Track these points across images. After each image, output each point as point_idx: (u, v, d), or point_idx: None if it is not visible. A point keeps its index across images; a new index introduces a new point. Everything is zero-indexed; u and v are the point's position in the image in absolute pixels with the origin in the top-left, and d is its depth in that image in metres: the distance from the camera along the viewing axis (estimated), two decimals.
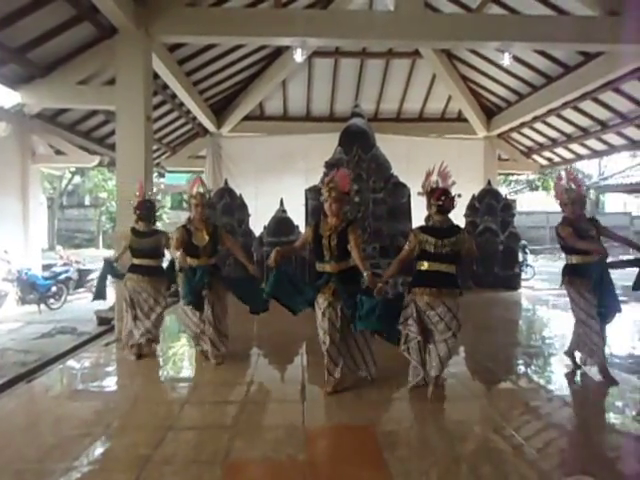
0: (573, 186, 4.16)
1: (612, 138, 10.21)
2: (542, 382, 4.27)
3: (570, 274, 4.23)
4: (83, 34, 5.96)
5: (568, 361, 4.49)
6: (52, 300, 9.75)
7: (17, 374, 4.76)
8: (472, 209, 9.74)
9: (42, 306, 9.45)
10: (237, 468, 2.70)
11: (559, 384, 4.25)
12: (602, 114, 9.38)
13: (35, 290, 9.30)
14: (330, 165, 9.01)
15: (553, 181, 22.30)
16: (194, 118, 10.82)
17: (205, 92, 10.07)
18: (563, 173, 4.27)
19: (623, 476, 2.69)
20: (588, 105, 9.24)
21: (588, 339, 4.12)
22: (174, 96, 9.05)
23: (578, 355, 4.38)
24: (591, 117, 9.67)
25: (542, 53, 8.17)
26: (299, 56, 6.58)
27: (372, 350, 3.94)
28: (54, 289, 9.82)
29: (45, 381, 4.35)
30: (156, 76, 7.20)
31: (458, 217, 6.96)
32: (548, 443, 3.06)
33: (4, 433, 3.15)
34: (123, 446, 3.00)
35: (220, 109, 11.40)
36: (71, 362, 4.96)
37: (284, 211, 9.49)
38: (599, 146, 10.87)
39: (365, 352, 3.91)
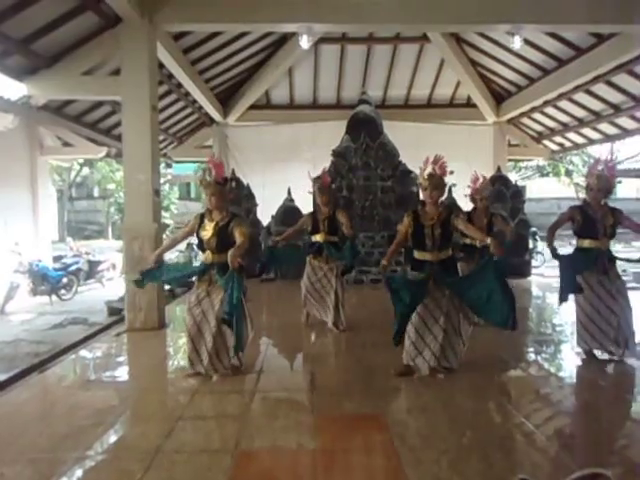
0: (603, 173, 4.09)
1: (625, 122, 9.99)
2: (553, 370, 4.24)
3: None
4: (87, 24, 5.91)
5: (578, 348, 4.45)
6: (63, 291, 9.86)
7: (30, 364, 4.85)
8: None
9: (53, 297, 9.57)
10: (248, 457, 2.71)
11: (570, 371, 4.23)
12: (615, 97, 9.17)
13: (46, 281, 9.40)
14: (338, 153, 8.97)
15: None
16: (200, 107, 10.76)
17: (211, 81, 10.00)
18: (602, 159, 4.20)
19: (636, 464, 2.67)
20: (600, 88, 9.04)
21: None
22: (179, 85, 9.00)
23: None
24: (604, 100, 9.46)
25: (553, 35, 7.98)
26: (305, 42, 6.49)
27: (462, 340, 3.93)
28: (65, 280, 9.92)
29: (58, 371, 4.40)
30: (161, 65, 7.15)
31: (467, 204, 6.88)
32: (559, 431, 3.04)
33: (18, 423, 3.19)
34: (135, 435, 3.03)
35: (226, 98, 11.32)
36: (83, 352, 5.02)
37: (292, 200, 9.47)
38: (612, 130, 10.65)
39: (455, 343, 3.86)
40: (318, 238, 5.30)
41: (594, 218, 4.13)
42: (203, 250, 3.89)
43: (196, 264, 4.82)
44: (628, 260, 4.60)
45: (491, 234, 3.71)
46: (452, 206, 6.09)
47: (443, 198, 3.92)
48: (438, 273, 3.82)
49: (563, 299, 4.37)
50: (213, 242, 3.80)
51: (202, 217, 3.92)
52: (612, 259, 4.23)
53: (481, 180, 5.53)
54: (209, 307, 3.83)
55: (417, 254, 3.93)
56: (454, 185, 3.86)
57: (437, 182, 3.77)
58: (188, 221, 4.07)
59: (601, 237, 4.14)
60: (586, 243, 4.21)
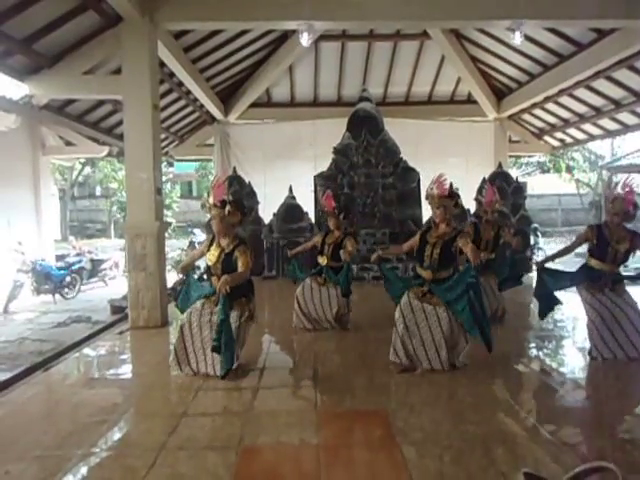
0: (622, 195, 4.05)
1: (626, 117, 9.97)
2: (554, 365, 4.26)
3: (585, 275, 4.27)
4: (88, 23, 5.92)
5: (580, 344, 4.46)
6: (66, 290, 9.89)
7: (34, 363, 4.86)
8: (482, 192, 9.63)
9: (57, 296, 9.59)
10: (252, 453, 2.73)
11: (572, 367, 4.24)
12: (616, 93, 9.15)
13: (50, 280, 9.43)
14: (339, 151, 8.97)
15: (564, 163, 21.69)
16: (201, 106, 10.77)
17: (212, 79, 10.00)
18: (621, 182, 4.19)
19: (638, 459, 2.68)
20: (601, 84, 9.02)
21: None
22: (181, 84, 9.00)
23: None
24: (604, 96, 9.44)
25: (554, 31, 7.95)
26: (305, 40, 6.48)
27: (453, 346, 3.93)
28: (68, 279, 9.95)
29: (62, 369, 4.43)
30: (162, 64, 7.15)
31: (468, 201, 6.90)
32: (561, 426, 3.05)
33: (22, 421, 3.21)
34: (139, 432, 3.06)
35: (227, 96, 11.32)
36: (86, 350, 5.04)
37: (293, 198, 9.49)
38: (612, 126, 10.64)
39: (440, 349, 3.86)
40: (321, 261, 5.39)
41: (608, 241, 4.10)
42: (211, 274, 3.93)
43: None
44: (630, 277, 4.48)
45: (475, 246, 3.81)
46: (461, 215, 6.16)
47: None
48: (431, 290, 3.90)
49: (543, 315, 4.56)
50: (218, 268, 3.84)
51: (213, 239, 3.98)
52: (619, 280, 4.22)
53: (497, 196, 5.58)
54: (208, 321, 3.88)
55: (417, 268, 4.04)
56: (457, 189, 3.98)
57: (438, 202, 3.85)
58: (204, 240, 4.20)
59: (609, 262, 4.11)
60: (593, 263, 4.20)
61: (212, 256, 3.89)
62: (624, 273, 4.36)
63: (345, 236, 5.30)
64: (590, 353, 4.24)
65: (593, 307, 4.15)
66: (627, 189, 4.05)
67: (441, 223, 3.91)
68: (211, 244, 3.98)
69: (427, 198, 3.95)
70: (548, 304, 4.48)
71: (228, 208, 3.80)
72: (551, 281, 4.40)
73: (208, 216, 8.61)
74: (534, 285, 4.57)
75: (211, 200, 3.82)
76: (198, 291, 4.07)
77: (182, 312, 4.10)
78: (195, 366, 3.95)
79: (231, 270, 3.76)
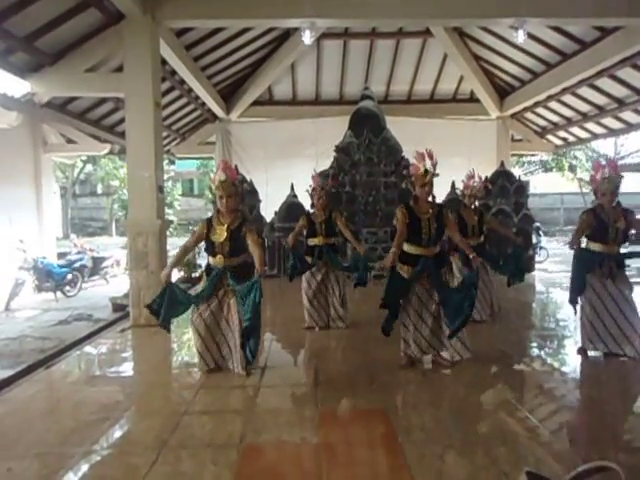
0: (612, 175, 4.02)
1: (629, 116, 9.95)
2: (556, 364, 4.25)
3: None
4: (90, 21, 5.92)
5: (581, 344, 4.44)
6: (68, 288, 9.89)
7: (36, 360, 4.87)
8: (485, 191, 9.61)
9: (58, 294, 9.60)
10: (253, 451, 2.73)
11: (573, 366, 4.23)
12: (619, 91, 9.13)
13: (51, 278, 9.43)
14: (340, 149, 8.97)
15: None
16: (203, 104, 10.77)
17: (213, 77, 9.99)
18: (603, 161, 4.18)
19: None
20: (604, 82, 8.99)
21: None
22: (182, 82, 9.00)
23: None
24: (608, 95, 9.41)
25: (557, 29, 7.93)
26: (308, 38, 6.48)
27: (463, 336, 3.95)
28: (69, 277, 9.95)
29: (63, 367, 4.43)
30: (164, 62, 7.15)
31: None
32: (563, 425, 3.05)
33: (24, 418, 3.22)
34: (140, 430, 3.06)
35: (229, 94, 11.32)
36: (88, 348, 5.05)
37: (295, 196, 9.48)
38: (616, 124, 10.61)
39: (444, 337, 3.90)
40: (316, 242, 5.19)
41: (606, 222, 4.09)
42: (213, 254, 3.85)
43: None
44: (630, 255, 4.41)
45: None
46: (455, 202, 6.13)
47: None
48: (432, 269, 3.84)
49: (573, 300, 4.37)
50: (226, 246, 3.79)
51: (209, 222, 3.88)
52: (621, 264, 4.19)
53: (477, 179, 5.43)
54: (218, 310, 3.86)
55: (411, 248, 3.86)
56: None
57: (431, 178, 3.77)
58: (194, 230, 4.07)
59: (611, 242, 4.10)
60: (595, 246, 4.17)
61: (219, 235, 3.80)
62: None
63: (331, 211, 5.21)
64: (585, 344, 4.24)
65: (585, 296, 4.18)
66: (612, 164, 4.08)
67: (425, 201, 3.82)
68: (210, 225, 3.85)
69: (424, 174, 3.73)
70: (580, 288, 4.29)
71: (244, 186, 3.85)
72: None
73: (209, 214, 8.58)
74: (571, 269, 4.40)
75: (223, 177, 3.74)
76: (187, 298, 3.93)
77: (168, 329, 3.97)
78: (221, 362, 3.95)
79: (239, 245, 3.80)
